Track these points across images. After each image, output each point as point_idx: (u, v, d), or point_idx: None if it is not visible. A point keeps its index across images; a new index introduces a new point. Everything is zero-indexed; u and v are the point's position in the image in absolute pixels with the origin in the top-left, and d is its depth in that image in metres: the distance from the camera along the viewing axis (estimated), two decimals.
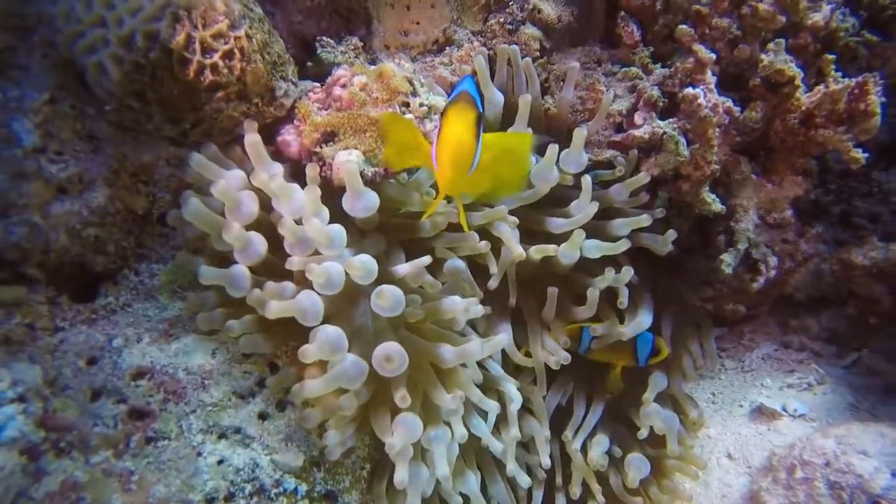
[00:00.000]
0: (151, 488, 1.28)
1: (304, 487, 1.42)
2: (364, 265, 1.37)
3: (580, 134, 1.81)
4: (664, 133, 1.89)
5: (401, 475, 1.36)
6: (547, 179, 1.79)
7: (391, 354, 1.35)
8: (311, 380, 1.38)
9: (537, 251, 1.79)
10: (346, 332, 1.38)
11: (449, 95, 1.45)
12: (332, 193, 1.55)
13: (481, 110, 1.20)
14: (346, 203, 1.48)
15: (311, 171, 1.46)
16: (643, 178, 1.88)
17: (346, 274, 1.39)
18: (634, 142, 1.94)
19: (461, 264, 1.72)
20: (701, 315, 2.26)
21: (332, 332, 1.36)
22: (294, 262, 1.40)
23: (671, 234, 1.94)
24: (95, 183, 1.45)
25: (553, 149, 1.76)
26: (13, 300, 1.34)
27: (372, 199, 1.47)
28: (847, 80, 1.82)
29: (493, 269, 1.76)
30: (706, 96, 1.82)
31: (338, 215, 1.51)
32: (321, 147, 1.56)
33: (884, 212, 2.54)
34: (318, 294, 1.37)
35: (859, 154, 1.82)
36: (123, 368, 1.40)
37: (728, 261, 1.96)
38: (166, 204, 1.57)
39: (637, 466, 1.81)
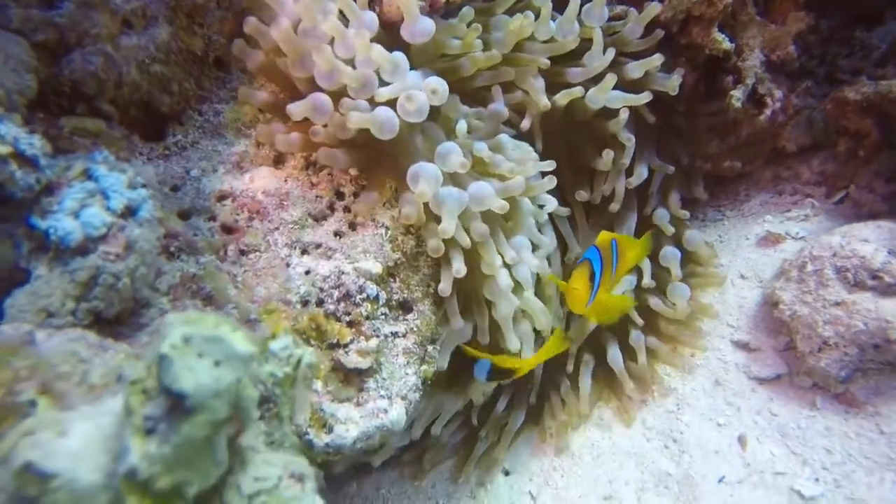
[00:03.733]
0: (254, 289, 1.40)
1: (384, 295, 1.55)
2: (440, 85, 1.46)
3: None
4: None
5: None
6: (568, 34, 1.88)
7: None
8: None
9: (563, 96, 1.91)
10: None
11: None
12: (383, 31, 1.62)
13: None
14: (406, 30, 1.55)
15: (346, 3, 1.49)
16: (654, 7, 1.98)
17: None
18: None
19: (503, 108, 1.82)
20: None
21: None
22: (383, 93, 1.46)
23: (679, 72, 2.07)
24: (157, 19, 1.49)
25: (574, 2, 1.85)
26: (94, 130, 1.40)
27: (428, 24, 1.55)
28: None
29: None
30: None
31: (390, 49, 1.58)
32: None
33: (866, 66, 2.71)
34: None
35: None
36: (207, 192, 1.49)
37: (737, 95, 2.12)
38: (221, 47, 1.62)
39: (681, 293, 2.04)
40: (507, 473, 2.04)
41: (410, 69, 1.53)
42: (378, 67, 1.48)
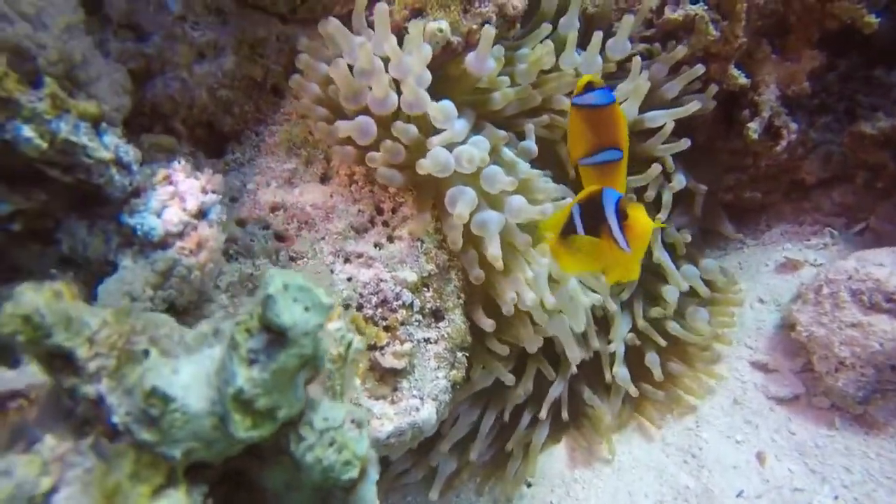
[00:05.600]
0: None
1: (418, 302, 1.68)
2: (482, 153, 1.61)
3: (628, 20, 1.98)
4: (696, 14, 2.14)
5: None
6: (593, 66, 2.02)
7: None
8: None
9: None
10: None
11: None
12: None
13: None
14: (474, 62, 1.70)
15: (415, 31, 1.65)
16: (680, 50, 2.12)
17: None
18: (669, 24, 2.19)
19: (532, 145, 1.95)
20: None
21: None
22: (433, 142, 1.59)
23: (713, 89, 2.15)
24: (225, 50, 1.68)
25: (597, 36, 2.00)
26: (169, 146, 1.57)
27: (493, 63, 1.71)
28: None
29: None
30: None
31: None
32: (410, 21, 1.79)
33: (884, 103, 2.81)
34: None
35: (873, 19, 2.08)
36: (262, 203, 1.65)
37: (754, 127, 2.23)
38: (278, 75, 1.80)
39: (702, 317, 2.11)
40: (529, 485, 2.11)
41: (445, 99, 1.68)
42: (434, 114, 1.62)
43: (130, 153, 1.21)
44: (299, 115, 1.76)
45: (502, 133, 1.86)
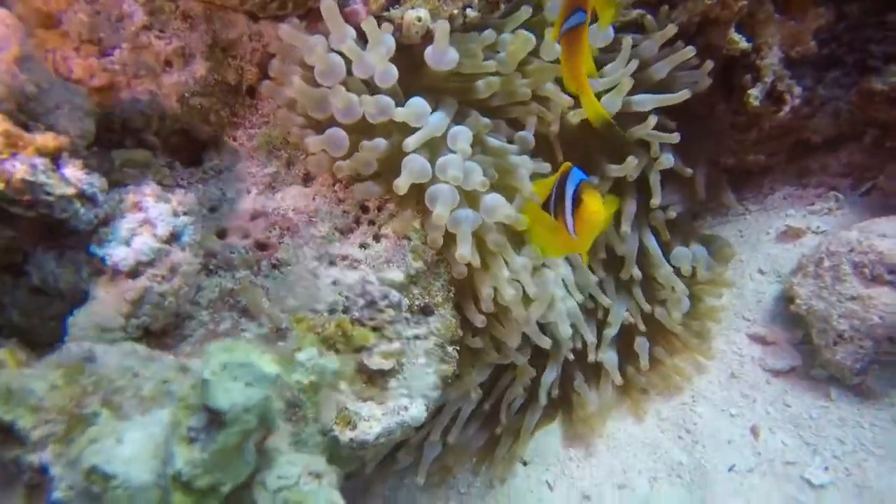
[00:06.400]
0: (285, 300, 1.56)
1: (406, 301, 1.69)
2: (467, 138, 1.59)
3: (609, 12, 1.84)
4: None
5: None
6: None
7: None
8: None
9: (576, 115, 1.96)
10: None
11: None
12: (401, 52, 1.73)
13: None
14: (432, 56, 1.64)
15: (370, 26, 1.59)
16: (671, 29, 1.98)
17: None
18: None
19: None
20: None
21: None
22: (409, 144, 1.55)
23: (709, 65, 2.04)
24: (195, 57, 1.65)
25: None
26: (143, 161, 1.57)
27: (454, 55, 1.65)
28: None
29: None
30: None
31: (406, 71, 1.70)
32: (388, 11, 1.73)
33: None
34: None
35: None
36: (241, 212, 1.65)
37: (755, 94, 2.14)
38: (252, 76, 1.77)
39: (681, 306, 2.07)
40: (524, 464, 2.16)
41: (422, 90, 1.64)
42: (403, 120, 1.58)
43: (96, 184, 1.21)
44: (277, 118, 1.74)
45: (486, 121, 1.82)
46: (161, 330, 1.31)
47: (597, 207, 1.29)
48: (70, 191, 1.18)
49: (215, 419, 0.73)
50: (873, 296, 1.90)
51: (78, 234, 1.24)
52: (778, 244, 2.34)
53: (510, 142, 1.88)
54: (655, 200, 2.02)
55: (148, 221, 1.26)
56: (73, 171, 1.20)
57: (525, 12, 1.83)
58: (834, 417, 1.96)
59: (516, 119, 1.94)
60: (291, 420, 1.00)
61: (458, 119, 1.81)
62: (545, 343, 1.81)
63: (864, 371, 1.95)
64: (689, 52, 1.96)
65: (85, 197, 1.21)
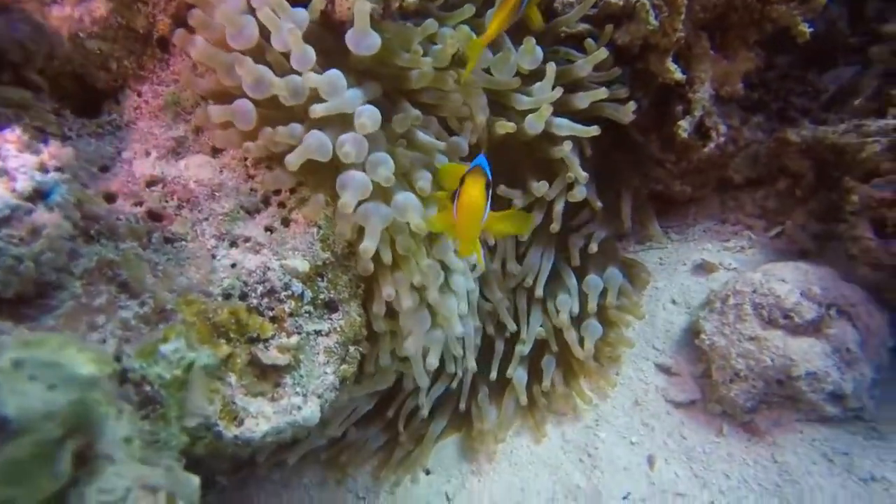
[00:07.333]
0: (175, 279, 1.39)
1: (309, 293, 1.56)
2: (370, 120, 1.46)
3: (530, 41, 1.84)
4: (637, 1, 2.03)
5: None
6: (506, 74, 1.87)
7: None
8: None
9: (501, 127, 1.91)
10: None
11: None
12: (332, 27, 1.61)
13: (490, 179, 1.36)
14: (352, 40, 1.53)
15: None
16: (602, 53, 1.97)
17: None
18: (609, 9, 2.07)
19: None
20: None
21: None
22: (315, 110, 1.44)
23: (632, 105, 2.10)
24: None
25: (509, 48, 1.84)
26: (19, 100, 1.37)
27: (375, 40, 1.53)
28: None
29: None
30: None
31: (335, 52, 1.58)
32: None
33: (814, 107, 2.81)
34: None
35: (806, 28, 2.03)
36: (137, 176, 1.47)
37: (684, 126, 2.17)
38: (165, 27, 1.59)
39: (593, 332, 2.09)
40: (427, 473, 2.08)
41: (349, 73, 1.52)
42: (315, 86, 1.46)
43: None
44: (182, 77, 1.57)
45: (416, 112, 1.72)
46: (17, 297, 1.12)
47: (474, 193, 1.27)
48: None
49: (2, 428, 0.59)
50: (768, 338, 1.96)
51: None
52: (692, 276, 2.38)
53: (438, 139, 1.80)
54: (556, 225, 2.05)
55: (6, 173, 1.08)
56: None
57: (469, 10, 1.76)
58: (723, 452, 2.00)
59: (446, 119, 1.88)
60: (149, 418, 0.85)
61: (388, 106, 1.72)
62: (423, 381, 1.74)
63: (754, 409, 2.00)
64: (602, 93, 1.97)
65: None
